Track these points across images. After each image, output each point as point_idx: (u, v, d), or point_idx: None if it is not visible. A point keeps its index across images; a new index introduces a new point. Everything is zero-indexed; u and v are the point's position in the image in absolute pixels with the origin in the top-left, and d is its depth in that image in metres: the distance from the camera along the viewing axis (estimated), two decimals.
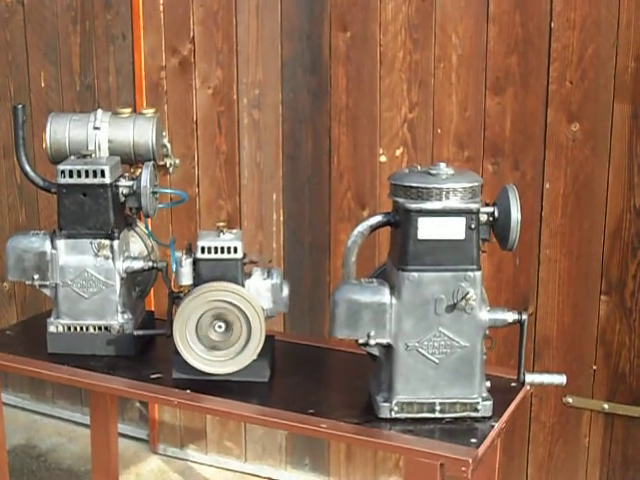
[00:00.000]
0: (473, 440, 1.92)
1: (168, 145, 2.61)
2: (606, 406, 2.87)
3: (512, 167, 2.83)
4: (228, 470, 3.51)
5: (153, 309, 2.91)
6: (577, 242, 2.81)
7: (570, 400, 2.91)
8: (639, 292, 2.75)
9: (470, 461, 1.84)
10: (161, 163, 2.60)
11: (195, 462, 3.57)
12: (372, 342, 1.98)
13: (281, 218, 3.21)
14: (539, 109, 2.77)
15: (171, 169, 2.90)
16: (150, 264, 2.35)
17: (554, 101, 2.75)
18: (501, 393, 2.11)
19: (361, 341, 1.99)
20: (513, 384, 2.17)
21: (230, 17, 3.13)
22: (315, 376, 2.31)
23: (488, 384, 2.06)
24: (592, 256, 2.79)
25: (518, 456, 3.00)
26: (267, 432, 3.39)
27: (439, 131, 2.91)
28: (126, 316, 2.33)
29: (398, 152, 2.97)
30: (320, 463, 3.35)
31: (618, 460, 2.88)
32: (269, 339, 2.23)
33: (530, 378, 2.08)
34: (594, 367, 2.86)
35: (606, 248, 2.76)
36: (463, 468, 1.85)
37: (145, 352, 2.39)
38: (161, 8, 3.23)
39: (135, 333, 2.32)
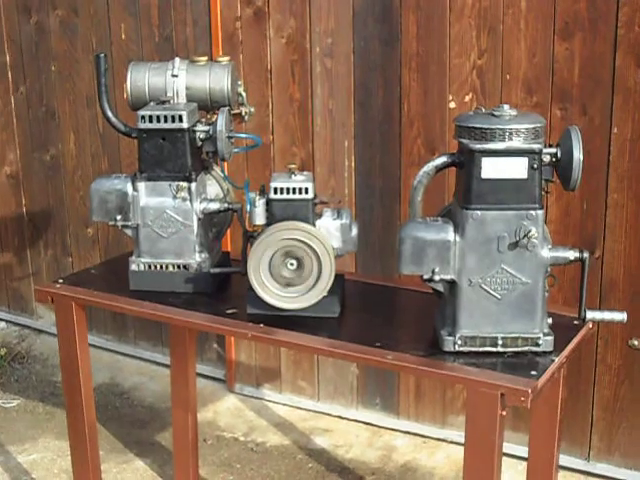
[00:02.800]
0: (533, 372, 1.98)
1: (243, 94, 2.68)
2: None
3: (580, 112, 2.83)
4: (301, 409, 3.63)
5: (229, 250, 3.02)
6: None
7: (636, 343, 2.93)
8: None
9: (529, 391, 1.91)
10: (236, 111, 2.67)
11: (270, 401, 3.70)
12: (437, 278, 2.05)
13: (352, 164, 3.28)
14: (607, 54, 2.76)
15: (246, 117, 2.97)
16: (226, 205, 2.44)
17: (622, 45, 2.73)
18: (563, 330, 2.16)
19: (426, 277, 2.06)
20: (575, 322, 2.23)
21: None
22: (383, 313, 2.39)
23: (550, 321, 2.11)
24: None
25: (584, 398, 3.04)
26: (339, 372, 3.50)
27: (508, 77, 2.92)
28: (203, 255, 2.43)
29: (467, 98, 2.99)
30: (390, 403, 3.44)
31: None
32: (339, 277, 2.31)
33: (591, 315, 2.13)
34: None
35: None
36: (522, 398, 1.91)
37: (221, 289, 2.49)
38: None
39: (212, 271, 2.42)
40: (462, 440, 2.14)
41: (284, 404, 3.67)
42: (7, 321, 4.47)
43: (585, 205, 2.90)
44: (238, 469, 3.26)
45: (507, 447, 2.99)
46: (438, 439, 3.36)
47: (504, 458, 2.95)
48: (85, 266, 3.62)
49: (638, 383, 2.96)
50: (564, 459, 3.06)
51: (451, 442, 3.31)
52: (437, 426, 3.35)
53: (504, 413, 1.96)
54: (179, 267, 2.43)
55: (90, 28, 3.74)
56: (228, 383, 3.79)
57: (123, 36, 3.66)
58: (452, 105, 3.02)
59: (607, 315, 2.15)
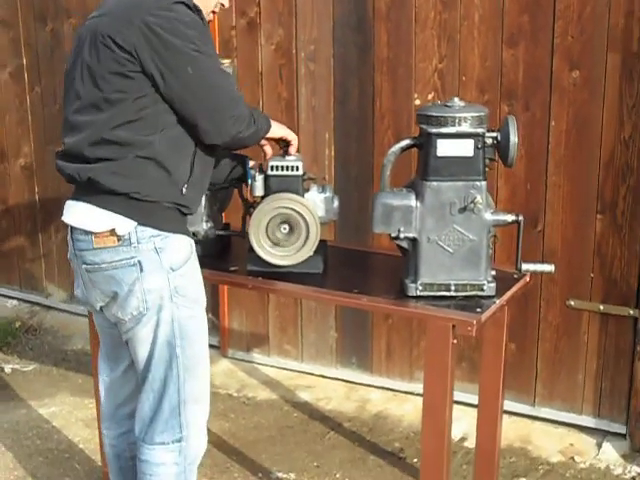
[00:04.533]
0: (478, 310, 2.48)
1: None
2: (601, 307, 3.36)
3: (524, 108, 3.32)
4: (287, 370, 4.11)
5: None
6: (577, 170, 3.29)
7: (572, 303, 3.42)
8: (628, 211, 3.24)
9: (474, 322, 2.41)
10: None
11: (259, 363, 4.18)
12: (402, 236, 2.54)
13: (332, 153, 3.76)
14: (546, 59, 3.24)
15: None
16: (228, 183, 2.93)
17: (558, 52, 3.22)
18: (505, 281, 2.67)
19: (393, 235, 2.56)
20: (515, 276, 2.75)
21: None
22: (359, 270, 2.91)
23: (493, 272, 2.61)
24: (590, 182, 3.28)
25: (529, 351, 3.53)
26: (320, 336, 3.99)
27: (464, 78, 3.40)
28: (209, 224, 2.88)
29: (430, 96, 3.47)
30: (365, 361, 3.93)
31: (611, 352, 3.39)
32: (323, 242, 2.80)
33: (525, 267, 2.63)
34: (592, 275, 3.36)
35: (601, 175, 3.25)
36: (469, 328, 2.41)
37: (224, 253, 2.98)
38: None
39: (217, 232, 2.88)
40: None
41: (272, 366, 4.15)
42: (19, 299, 4.92)
43: (529, 186, 3.39)
44: (232, 418, 3.74)
45: (464, 397, 3.53)
46: (406, 392, 3.85)
47: (462, 407, 3.48)
48: None
49: (574, 338, 3.45)
50: (513, 406, 3.57)
51: (417, 394, 3.78)
52: (405, 381, 3.85)
53: (455, 341, 2.45)
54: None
55: None
56: (222, 349, 4.25)
57: None
58: (417, 102, 3.50)
59: (539, 267, 2.66)
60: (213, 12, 2.54)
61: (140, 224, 2.36)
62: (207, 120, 2.35)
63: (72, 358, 4.36)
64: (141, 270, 2.38)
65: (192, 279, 2.49)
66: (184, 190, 2.41)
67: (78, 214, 2.43)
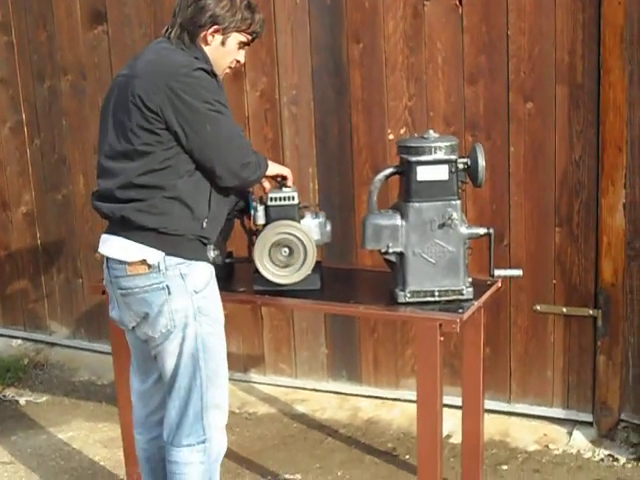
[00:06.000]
0: (460, 310, 2.86)
1: None
2: (564, 310, 3.75)
3: (486, 137, 3.71)
4: (282, 386, 4.46)
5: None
6: (536, 189, 3.69)
7: (538, 307, 3.80)
8: (582, 223, 3.64)
9: (458, 320, 2.79)
10: None
11: (256, 382, 4.53)
12: (390, 251, 2.92)
13: (316, 186, 4.12)
14: (503, 94, 3.65)
15: None
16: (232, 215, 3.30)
17: (513, 87, 3.63)
18: (480, 287, 3.05)
19: (383, 250, 2.94)
20: (489, 283, 3.15)
21: (271, 36, 4.00)
22: (351, 284, 3.31)
23: (470, 279, 2.99)
24: (547, 199, 3.68)
25: (503, 353, 3.92)
26: (312, 354, 4.36)
27: (431, 114, 3.80)
28: (216, 252, 3.22)
29: (402, 131, 3.86)
30: (354, 374, 4.29)
31: (576, 349, 3.79)
32: (318, 263, 3.16)
33: (497, 272, 3.03)
34: (554, 281, 3.75)
35: (557, 192, 3.65)
36: (453, 326, 2.80)
37: (230, 277, 3.32)
38: None
39: (227, 261, 3.27)
40: (413, 398, 2.98)
41: (268, 384, 4.49)
42: (24, 338, 5.22)
43: (494, 206, 3.78)
44: (237, 431, 4.08)
45: (447, 399, 3.87)
46: (394, 399, 4.22)
47: (445, 408, 3.84)
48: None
49: (542, 338, 3.84)
50: (491, 404, 3.93)
51: (404, 400, 4.16)
52: (392, 389, 4.21)
53: (442, 339, 2.83)
54: None
55: (96, 89, 4.49)
56: None
57: None
58: (391, 137, 3.88)
59: (509, 272, 3.07)
60: (230, 68, 2.94)
61: (168, 254, 2.74)
62: (222, 168, 2.75)
63: (80, 388, 4.69)
64: (169, 293, 2.75)
65: (213, 300, 2.87)
66: (204, 224, 2.80)
67: (113, 247, 2.80)
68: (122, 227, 2.76)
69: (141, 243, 2.73)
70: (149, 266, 2.73)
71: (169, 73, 2.66)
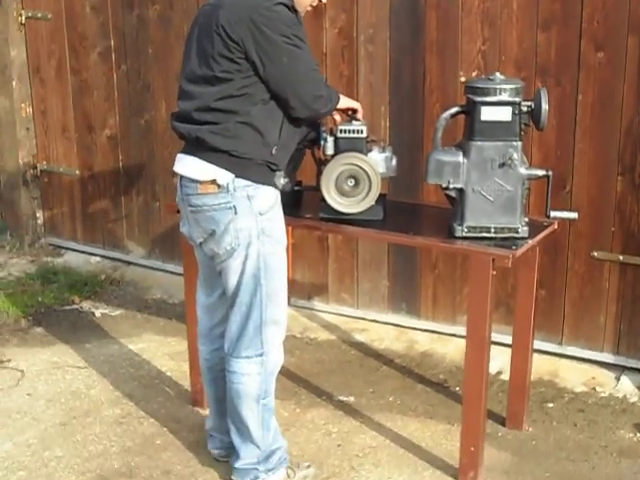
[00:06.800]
0: (513, 247, 2.99)
1: None
2: (621, 258, 3.84)
3: (555, 84, 3.78)
4: (344, 315, 4.64)
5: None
6: (601, 138, 3.76)
7: (595, 254, 3.89)
8: None
9: (510, 256, 2.93)
10: None
11: (319, 310, 4.71)
12: (451, 186, 3.06)
13: (387, 124, 4.25)
14: (575, 42, 3.72)
15: None
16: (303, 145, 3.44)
17: (586, 35, 3.69)
18: (537, 227, 3.18)
19: (444, 186, 3.08)
20: (545, 224, 3.26)
21: None
22: (412, 217, 3.45)
23: (526, 219, 3.11)
24: (612, 148, 3.75)
25: (558, 297, 4.03)
26: (373, 285, 4.52)
27: (503, 58, 3.88)
28: (286, 180, 3.32)
29: (474, 74, 3.94)
30: (413, 308, 4.45)
31: (629, 297, 3.88)
32: (382, 195, 3.29)
33: (553, 214, 3.13)
34: (613, 229, 3.83)
35: (622, 142, 3.72)
36: (506, 261, 2.94)
37: (298, 204, 3.47)
38: None
39: (295, 188, 3.43)
40: None
41: (330, 312, 4.68)
42: (102, 256, 5.49)
43: (559, 152, 3.87)
44: (297, 354, 4.28)
45: (501, 338, 3.99)
46: (450, 334, 4.37)
47: (499, 347, 3.96)
48: None
49: (597, 285, 3.93)
50: (543, 345, 4.06)
51: (460, 336, 4.29)
52: (449, 324, 4.36)
53: (494, 273, 2.97)
54: None
55: (183, 19, 4.66)
56: None
57: None
58: (462, 79, 3.95)
59: (564, 214, 3.17)
60: (311, 6, 3.07)
61: (237, 176, 2.91)
62: (295, 99, 2.90)
63: (153, 305, 4.94)
64: (235, 213, 2.93)
65: (276, 222, 3.04)
66: (274, 151, 2.96)
67: (187, 165, 2.98)
68: (196, 148, 2.94)
69: (213, 164, 2.91)
70: (219, 186, 2.91)
71: (252, 6, 2.81)
